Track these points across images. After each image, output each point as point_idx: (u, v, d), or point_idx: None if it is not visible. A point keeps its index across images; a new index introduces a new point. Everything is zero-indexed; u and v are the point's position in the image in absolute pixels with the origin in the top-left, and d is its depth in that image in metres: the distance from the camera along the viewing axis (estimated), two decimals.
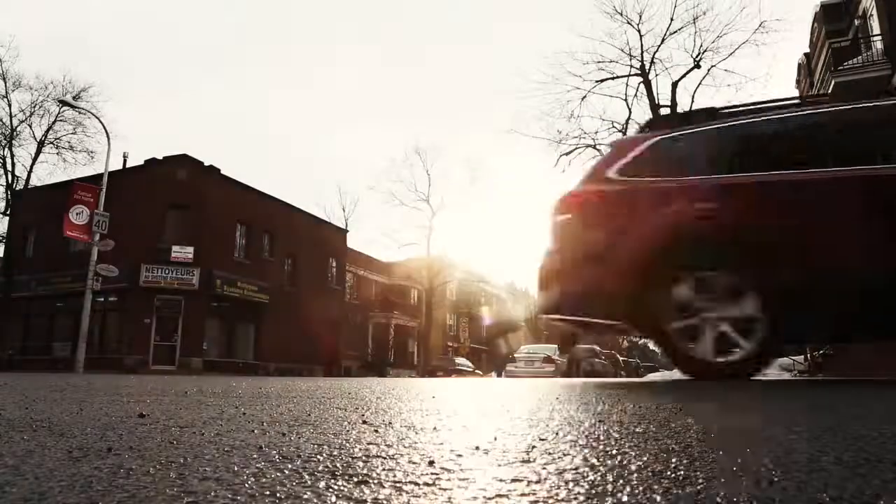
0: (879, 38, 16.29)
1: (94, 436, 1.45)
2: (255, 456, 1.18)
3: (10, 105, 27.71)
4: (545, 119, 39.91)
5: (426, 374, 31.45)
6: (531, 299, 66.51)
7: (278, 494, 0.85)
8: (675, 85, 22.73)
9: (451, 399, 3.06)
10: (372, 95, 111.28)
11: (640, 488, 0.90)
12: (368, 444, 1.35)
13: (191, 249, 24.78)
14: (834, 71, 16.18)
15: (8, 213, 28.51)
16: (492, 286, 57.89)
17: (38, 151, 28.24)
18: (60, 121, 28.23)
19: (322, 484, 0.93)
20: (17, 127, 27.87)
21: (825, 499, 0.83)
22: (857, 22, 18.61)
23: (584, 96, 23.47)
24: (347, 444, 1.34)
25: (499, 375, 33.09)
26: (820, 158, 4.41)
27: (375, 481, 0.95)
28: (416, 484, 0.93)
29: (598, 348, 27.65)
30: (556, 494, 0.87)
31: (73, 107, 24.50)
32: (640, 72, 23.10)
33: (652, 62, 23.08)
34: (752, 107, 5.08)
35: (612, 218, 4.65)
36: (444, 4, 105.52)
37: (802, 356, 16.88)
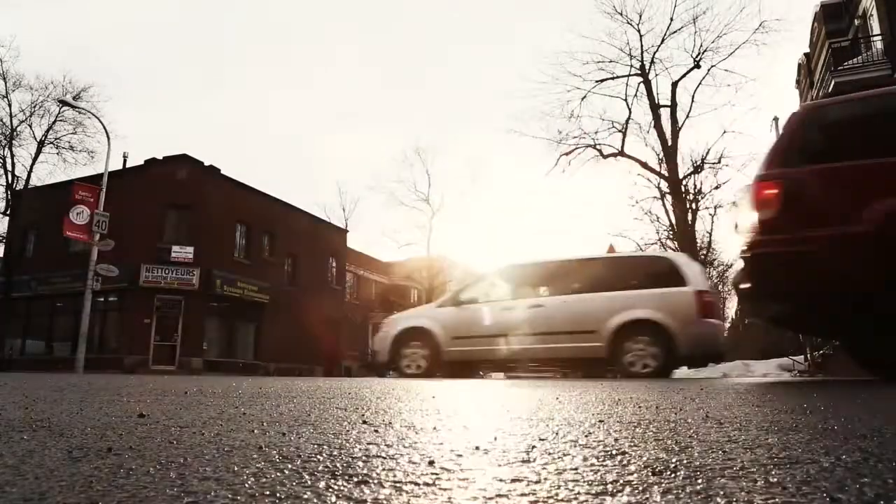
0: (879, 38, 16.29)
1: (94, 436, 1.45)
2: (255, 456, 1.18)
3: (10, 105, 27.66)
4: (545, 119, 39.92)
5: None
6: None
7: (278, 494, 0.85)
8: (675, 85, 22.74)
9: (451, 399, 3.07)
10: (372, 95, 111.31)
11: (640, 489, 0.90)
12: (368, 444, 1.35)
13: (191, 249, 24.76)
14: (834, 71, 16.17)
15: (8, 213, 28.47)
16: None
17: (38, 151, 28.21)
18: (60, 121, 28.19)
19: (322, 484, 0.93)
20: (17, 127, 27.84)
21: None
22: (857, 22, 18.61)
23: (584, 96, 23.46)
24: (347, 444, 1.34)
25: None
26: None
27: (375, 481, 0.95)
28: (416, 484, 0.93)
29: None
30: (556, 494, 0.87)
31: (73, 107, 24.47)
32: (640, 72, 23.09)
33: (652, 62, 23.09)
34: None
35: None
36: (444, 4, 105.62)
37: (802, 356, 16.87)
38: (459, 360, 8.07)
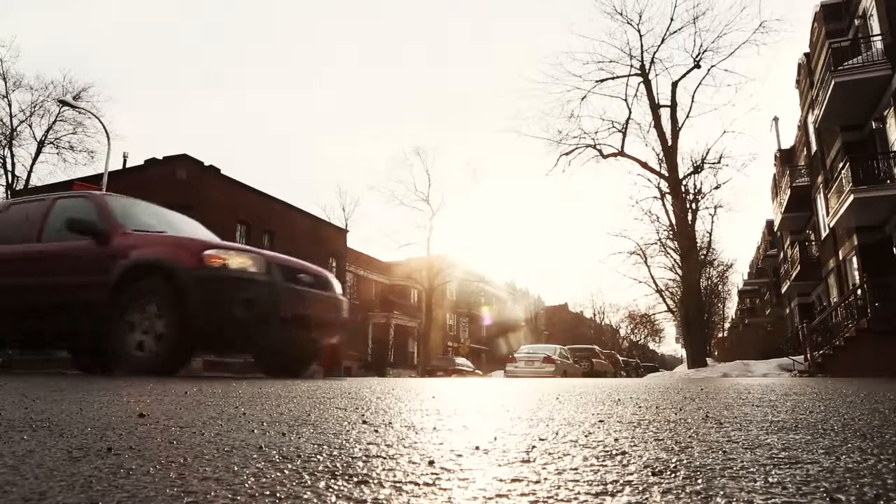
0: (879, 38, 16.29)
1: (94, 436, 1.45)
2: (255, 456, 1.18)
3: (10, 105, 27.74)
4: (545, 119, 40.03)
5: (426, 374, 31.44)
6: (531, 299, 66.43)
7: (278, 494, 0.85)
8: (675, 85, 22.73)
9: (451, 399, 3.06)
10: (373, 96, 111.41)
11: (640, 489, 0.90)
12: (368, 444, 1.35)
13: None
14: (834, 71, 16.17)
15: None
16: (492, 286, 57.87)
17: (39, 151, 28.26)
18: (60, 121, 28.25)
19: (322, 484, 0.93)
20: (17, 127, 27.90)
21: None
22: (857, 22, 18.61)
23: (584, 96, 23.46)
24: (347, 444, 1.34)
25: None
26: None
27: (375, 481, 0.95)
28: (416, 484, 0.93)
29: (597, 348, 27.66)
30: (556, 494, 0.86)
31: (73, 107, 24.49)
32: (640, 72, 23.09)
33: (652, 62, 23.08)
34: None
35: None
36: (445, 5, 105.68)
37: (802, 356, 16.88)
38: None
